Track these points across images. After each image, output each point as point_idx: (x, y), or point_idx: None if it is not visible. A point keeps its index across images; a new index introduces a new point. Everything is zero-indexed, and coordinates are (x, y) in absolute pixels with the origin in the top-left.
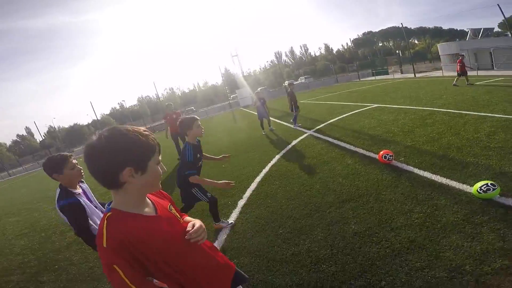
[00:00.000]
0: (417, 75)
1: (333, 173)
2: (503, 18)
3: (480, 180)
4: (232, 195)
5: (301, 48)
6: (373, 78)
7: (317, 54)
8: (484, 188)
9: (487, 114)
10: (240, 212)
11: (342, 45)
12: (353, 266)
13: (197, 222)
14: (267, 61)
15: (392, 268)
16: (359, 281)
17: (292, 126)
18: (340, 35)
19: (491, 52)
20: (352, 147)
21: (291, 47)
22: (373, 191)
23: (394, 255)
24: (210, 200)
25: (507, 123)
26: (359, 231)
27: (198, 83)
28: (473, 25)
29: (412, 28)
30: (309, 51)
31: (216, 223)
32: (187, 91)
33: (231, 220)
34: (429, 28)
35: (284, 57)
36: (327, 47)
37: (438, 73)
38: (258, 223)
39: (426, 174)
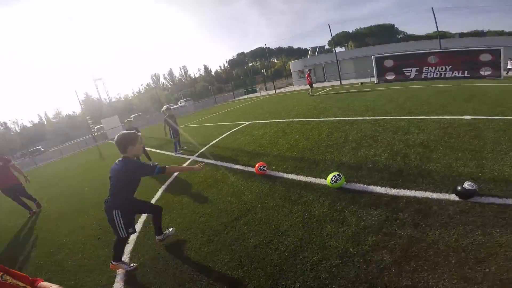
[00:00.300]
0: (277, 91)
1: (221, 194)
2: (331, 37)
3: (330, 173)
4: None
5: (180, 70)
6: (245, 96)
7: (197, 75)
8: (334, 179)
9: (324, 119)
10: (130, 258)
11: (220, 66)
12: (265, 278)
13: None
14: (141, 85)
15: (297, 268)
16: None
17: (173, 154)
18: (219, 56)
19: (323, 67)
20: (233, 165)
21: (170, 69)
22: (258, 202)
23: (293, 256)
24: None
25: (337, 124)
26: (257, 243)
27: (46, 114)
28: (313, 44)
29: (273, 48)
30: (188, 72)
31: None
32: (29, 125)
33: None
34: (284, 47)
35: (162, 80)
36: (206, 68)
37: (291, 88)
38: (156, 265)
39: (293, 177)
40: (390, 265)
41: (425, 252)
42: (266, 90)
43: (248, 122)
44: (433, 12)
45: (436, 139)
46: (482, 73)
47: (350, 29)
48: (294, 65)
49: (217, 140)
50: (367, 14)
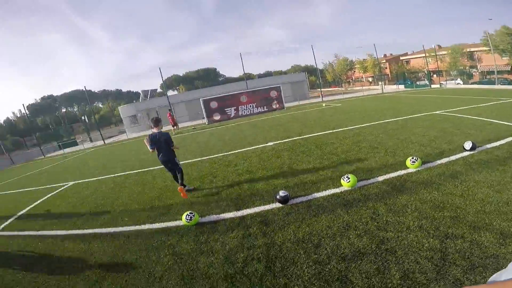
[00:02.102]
0: (106, 141)
1: (53, 272)
2: (162, 80)
3: (183, 213)
4: None
5: None
6: (61, 152)
7: None
8: (188, 217)
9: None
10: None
11: (14, 113)
12: None
13: None
14: None
15: None
16: None
17: None
18: (8, 100)
19: (157, 111)
20: (60, 232)
21: None
22: (114, 263)
23: None
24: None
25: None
26: None
27: None
28: (145, 87)
29: (97, 91)
30: None
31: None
32: None
33: None
34: (111, 90)
35: None
36: None
37: (124, 136)
38: None
39: (147, 226)
40: (265, 271)
41: (280, 252)
42: (92, 141)
43: (72, 182)
44: (241, 57)
45: (256, 165)
46: (274, 106)
47: (181, 72)
48: (124, 110)
49: (30, 207)
50: (194, 58)
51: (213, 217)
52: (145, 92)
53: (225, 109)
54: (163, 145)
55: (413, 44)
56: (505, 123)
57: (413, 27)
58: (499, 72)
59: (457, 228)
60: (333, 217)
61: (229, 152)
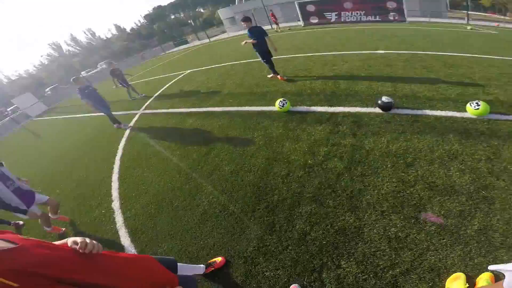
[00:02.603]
0: (211, 39)
1: (183, 136)
2: None
3: (277, 100)
4: (98, 205)
5: (85, 33)
6: (176, 49)
7: (109, 36)
8: (281, 104)
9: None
10: (123, 213)
11: (135, 23)
12: (248, 197)
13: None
14: (42, 56)
15: (271, 183)
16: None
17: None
18: (130, 14)
19: (252, 13)
20: (185, 109)
21: (71, 34)
22: (222, 135)
23: (265, 174)
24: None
25: (276, 61)
26: (232, 169)
27: None
28: None
29: None
30: (97, 35)
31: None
32: None
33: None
34: None
35: (66, 47)
36: (118, 27)
37: (225, 35)
38: (148, 210)
39: (247, 108)
40: (343, 171)
41: (366, 158)
42: (199, 39)
43: (189, 71)
44: None
45: (358, 68)
46: (390, 17)
47: None
48: (223, 13)
49: (161, 90)
50: None
51: (304, 108)
52: None
53: (325, 13)
54: (260, 36)
55: None
56: None
57: None
58: None
59: None
60: (440, 141)
61: (328, 53)
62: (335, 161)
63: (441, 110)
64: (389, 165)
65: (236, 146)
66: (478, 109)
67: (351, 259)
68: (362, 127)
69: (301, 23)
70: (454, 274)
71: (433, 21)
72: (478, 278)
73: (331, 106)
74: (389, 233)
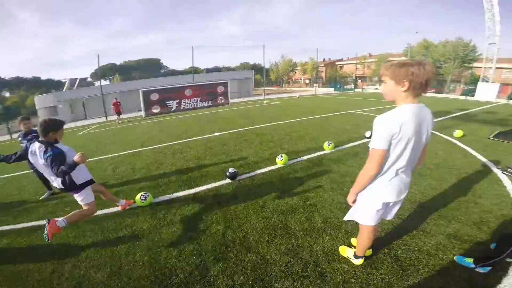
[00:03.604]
0: (13, 135)
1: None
2: (97, 68)
3: (135, 195)
4: None
5: None
6: None
7: None
8: (143, 197)
9: (104, 156)
10: None
11: None
12: None
13: None
14: None
15: None
16: None
17: None
18: None
19: (83, 102)
20: None
21: None
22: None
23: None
24: None
25: (121, 159)
26: (109, 274)
27: None
28: (72, 75)
29: (7, 78)
30: None
31: None
32: None
33: None
34: (27, 78)
35: None
36: None
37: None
38: None
39: (101, 212)
40: (225, 230)
41: (235, 214)
42: None
43: None
44: (193, 50)
45: (203, 151)
46: (219, 101)
47: (118, 61)
48: (42, 101)
49: None
50: (135, 47)
51: (167, 197)
52: (72, 81)
53: (167, 102)
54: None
55: (350, 51)
56: None
57: (352, 35)
58: None
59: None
60: (272, 186)
61: (173, 143)
62: (215, 226)
63: (264, 167)
64: (252, 212)
65: (99, 252)
66: (282, 160)
67: None
68: (223, 196)
69: (142, 113)
70: (341, 247)
71: (245, 100)
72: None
73: (191, 188)
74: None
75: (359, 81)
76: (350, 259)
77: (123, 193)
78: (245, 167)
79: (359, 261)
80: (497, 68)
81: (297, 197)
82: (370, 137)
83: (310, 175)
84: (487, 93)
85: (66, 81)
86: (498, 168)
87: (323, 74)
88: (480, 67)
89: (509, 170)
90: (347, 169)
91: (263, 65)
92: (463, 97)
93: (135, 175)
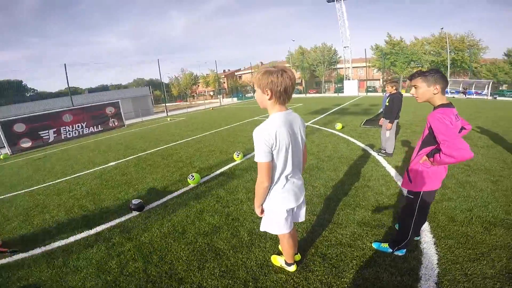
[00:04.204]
0: None
1: None
2: None
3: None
4: None
5: None
6: None
7: None
8: (191, 177)
9: None
10: None
11: None
12: None
13: None
14: None
15: None
16: None
17: None
18: None
19: None
20: None
21: None
22: None
23: None
24: None
25: None
26: None
27: None
28: None
29: None
30: None
31: None
32: None
33: None
34: None
35: None
36: None
37: None
38: None
39: None
40: (145, 266)
41: (153, 247)
42: None
43: None
44: (65, 68)
45: (97, 186)
46: (111, 124)
47: None
48: None
49: None
50: None
51: (62, 242)
52: None
53: (40, 132)
54: None
55: (245, 61)
56: None
57: (248, 46)
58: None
59: None
60: (188, 208)
61: (57, 181)
62: (131, 264)
63: (176, 191)
64: (172, 241)
65: None
66: (193, 179)
67: None
68: (132, 230)
69: (7, 150)
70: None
71: (144, 119)
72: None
73: (90, 228)
74: None
75: None
76: (284, 267)
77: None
78: (154, 194)
79: (292, 268)
80: (354, 67)
81: (218, 215)
82: None
83: (226, 189)
84: (351, 89)
85: None
86: (374, 151)
87: (225, 85)
88: (342, 68)
89: (382, 151)
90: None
91: (160, 80)
92: (335, 95)
93: (11, 224)
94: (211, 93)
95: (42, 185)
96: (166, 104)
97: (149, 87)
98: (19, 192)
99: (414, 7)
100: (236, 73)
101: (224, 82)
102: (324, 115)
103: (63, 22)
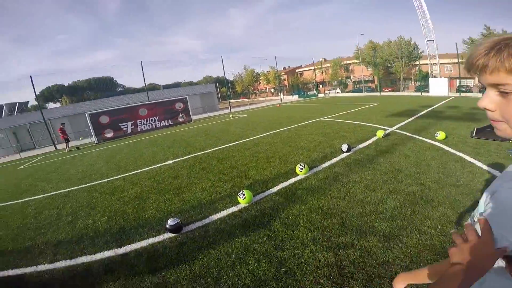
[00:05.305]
0: None
1: None
2: (40, 90)
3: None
4: None
5: None
6: None
7: None
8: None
9: (30, 198)
10: None
11: None
12: None
13: None
14: None
15: None
16: None
17: None
18: None
19: (29, 129)
20: None
21: None
22: None
23: None
24: None
25: (47, 201)
26: None
27: None
28: (8, 99)
29: None
30: None
31: None
32: None
33: None
34: None
35: None
36: None
37: None
38: None
39: None
40: None
41: None
42: None
43: None
44: (142, 65)
45: (148, 189)
46: (180, 119)
47: (66, 81)
48: None
49: None
50: (85, 65)
51: (86, 258)
52: (11, 106)
53: (120, 124)
54: None
55: (307, 57)
56: (370, 124)
57: (306, 42)
58: (365, 82)
59: (346, 236)
60: (232, 242)
61: (117, 177)
62: None
63: (222, 210)
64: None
65: None
66: (244, 198)
67: None
68: (159, 260)
69: (94, 139)
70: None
71: (210, 115)
72: None
73: (120, 246)
74: None
75: (320, 86)
76: None
77: (34, 249)
78: (197, 210)
79: None
80: (441, 64)
81: (266, 260)
82: (347, 150)
83: (283, 218)
84: (439, 88)
85: (3, 106)
86: None
87: (285, 82)
88: (426, 64)
89: None
90: (330, 203)
91: (224, 77)
92: (418, 94)
93: (58, 223)
94: (272, 90)
95: (104, 180)
96: (230, 101)
97: (216, 84)
98: (83, 185)
99: None
100: (296, 70)
101: (285, 79)
102: (412, 118)
103: (143, 24)
